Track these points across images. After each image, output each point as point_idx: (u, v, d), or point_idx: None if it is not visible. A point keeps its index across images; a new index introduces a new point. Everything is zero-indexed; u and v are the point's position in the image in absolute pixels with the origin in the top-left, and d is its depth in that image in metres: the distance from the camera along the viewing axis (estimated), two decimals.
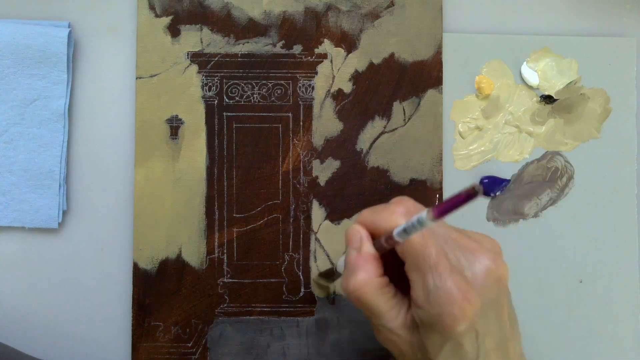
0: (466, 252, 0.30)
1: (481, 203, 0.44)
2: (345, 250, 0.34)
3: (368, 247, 0.32)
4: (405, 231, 0.29)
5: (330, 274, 0.40)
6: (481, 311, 0.29)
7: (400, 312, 0.31)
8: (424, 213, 0.27)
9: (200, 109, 0.43)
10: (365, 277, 0.31)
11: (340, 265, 0.36)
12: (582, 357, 0.43)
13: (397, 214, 0.31)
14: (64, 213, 0.43)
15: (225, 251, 0.43)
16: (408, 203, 0.32)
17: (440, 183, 0.43)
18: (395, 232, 0.30)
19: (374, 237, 0.32)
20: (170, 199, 0.43)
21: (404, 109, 0.44)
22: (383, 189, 0.43)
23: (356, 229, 0.32)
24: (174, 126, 0.43)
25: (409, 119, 0.44)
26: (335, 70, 0.44)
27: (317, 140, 0.43)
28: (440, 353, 0.30)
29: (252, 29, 0.43)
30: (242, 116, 0.43)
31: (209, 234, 0.43)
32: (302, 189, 0.43)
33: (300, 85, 0.44)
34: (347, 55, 0.44)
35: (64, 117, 0.43)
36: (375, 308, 0.31)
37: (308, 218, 0.43)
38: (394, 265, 0.32)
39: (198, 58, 0.43)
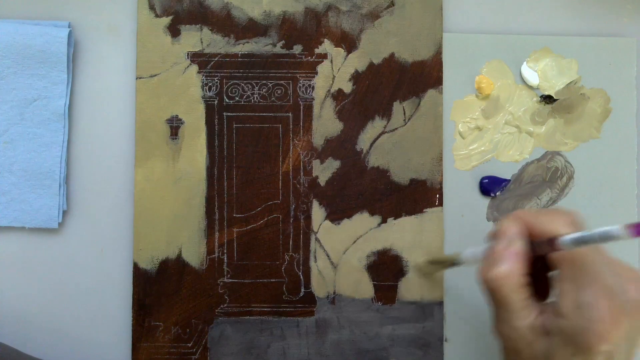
0: (621, 279, 0.30)
1: (481, 203, 0.44)
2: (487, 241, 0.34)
3: (521, 243, 0.32)
4: (581, 241, 0.29)
5: (444, 262, 0.40)
6: (622, 338, 0.29)
7: (531, 314, 0.31)
8: (615, 227, 0.27)
9: (200, 109, 0.43)
10: (510, 270, 0.31)
11: (467, 255, 0.36)
12: None
13: (562, 222, 0.31)
14: (64, 213, 0.43)
15: (225, 251, 0.43)
16: (573, 214, 0.32)
17: (440, 183, 0.43)
18: (567, 238, 0.30)
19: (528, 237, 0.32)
20: (170, 199, 0.43)
21: (404, 109, 0.44)
22: (383, 189, 0.43)
23: (511, 223, 0.32)
24: (174, 126, 0.43)
25: (409, 119, 0.44)
26: (335, 70, 0.44)
27: (317, 140, 0.43)
28: None
29: (252, 29, 0.43)
30: (242, 116, 0.43)
31: (209, 234, 0.43)
32: (302, 189, 0.43)
33: (300, 85, 0.44)
34: (347, 55, 0.44)
35: (64, 117, 0.43)
36: (510, 303, 0.31)
37: (308, 218, 0.43)
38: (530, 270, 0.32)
39: (198, 58, 0.43)
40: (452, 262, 0.39)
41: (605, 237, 0.28)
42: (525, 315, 0.31)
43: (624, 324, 0.29)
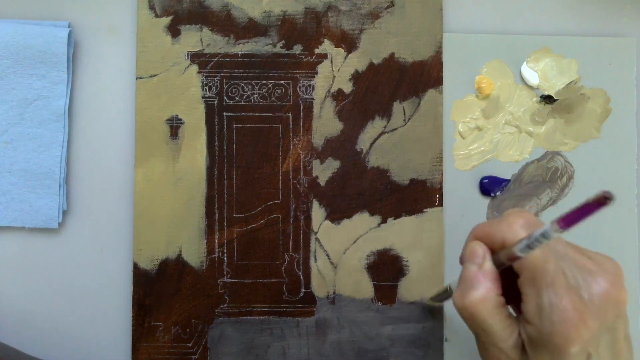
0: (584, 272, 0.29)
1: (481, 203, 0.44)
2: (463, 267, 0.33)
3: (489, 264, 0.31)
4: (529, 246, 0.28)
5: (445, 295, 0.39)
6: (596, 335, 0.28)
7: (513, 333, 0.30)
8: (547, 226, 0.26)
9: (200, 109, 0.43)
10: (484, 294, 0.30)
11: (455, 284, 0.35)
12: None
13: (517, 226, 0.30)
14: (64, 213, 0.43)
15: (225, 251, 0.43)
16: (525, 214, 0.31)
17: (440, 183, 0.43)
18: (517, 248, 0.29)
19: (491, 252, 0.32)
20: (170, 199, 0.43)
21: (404, 109, 0.44)
22: (383, 189, 0.43)
23: (477, 244, 0.32)
24: (174, 126, 0.43)
25: (409, 119, 0.44)
26: (335, 70, 0.44)
27: (317, 140, 0.43)
28: None
29: (252, 29, 0.43)
30: (242, 116, 0.43)
31: (209, 234, 0.43)
32: (302, 189, 0.43)
33: (300, 85, 0.44)
34: (347, 55, 0.44)
35: (64, 117, 0.43)
36: (489, 327, 0.30)
37: (308, 218, 0.43)
38: (504, 280, 0.31)
39: (198, 58, 0.43)
40: (447, 294, 0.38)
41: (545, 237, 0.27)
42: (507, 335, 0.30)
43: (592, 321, 0.28)
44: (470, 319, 0.30)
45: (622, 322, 0.29)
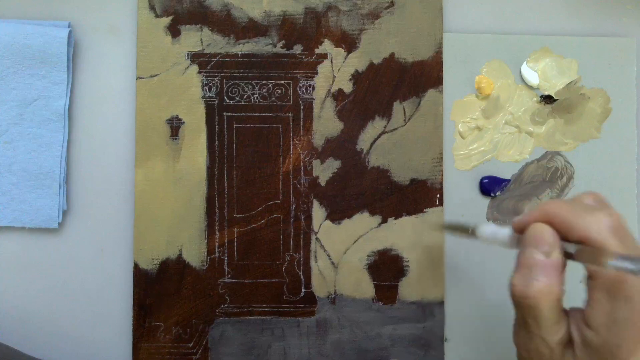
0: None
1: (481, 203, 0.44)
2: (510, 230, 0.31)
3: (559, 255, 0.29)
4: (629, 271, 0.26)
5: (460, 230, 0.36)
6: None
7: (562, 328, 0.29)
8: None
9: (201, 109, 0.43)
10: (549, 286, 0.28)
11: (486, 234, 0.33)
12: None
13: (607, 228, 0.27)
14: (64, 213, 0.43)
15: (225, 251, 0.43)
16: (616, 215, 0.28)
17: (441, 183, 0.43)
18: (614, 264, 0.26)
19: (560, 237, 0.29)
20: (171, 199, 0.42)
21: (404, 109, 0.44)
22: (383, 188, 0.43)
23: (546, 229, 0.29)
24: (174, 126, 0.43)
25: (409, 119, 0.44)
26: (336, 70, 0.44)
27: (318, 140, 0.43)
28: None
29: (252, 29, 0.43)
30: (242, 116, 0.43)
31: (209, 234, 0.43)
32: (303, 189, 0.43)
33: (301, 85, 0.44)
34: (347, 55, 0.44)
35: (64, 117, 0.43)
36: (545, 319, 0.29)
37: (308, 218, 0.43)
38: None
39: (198, 58, 0.43)
40: (467, 232, 0.35)
41: None
42: (557, 329, 0.29)
43: None
44: (527, 308, 0.29)
45: None
